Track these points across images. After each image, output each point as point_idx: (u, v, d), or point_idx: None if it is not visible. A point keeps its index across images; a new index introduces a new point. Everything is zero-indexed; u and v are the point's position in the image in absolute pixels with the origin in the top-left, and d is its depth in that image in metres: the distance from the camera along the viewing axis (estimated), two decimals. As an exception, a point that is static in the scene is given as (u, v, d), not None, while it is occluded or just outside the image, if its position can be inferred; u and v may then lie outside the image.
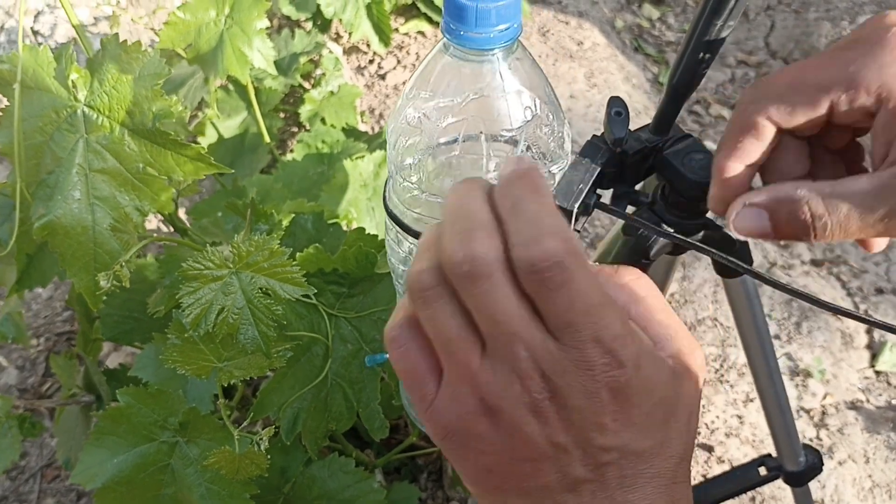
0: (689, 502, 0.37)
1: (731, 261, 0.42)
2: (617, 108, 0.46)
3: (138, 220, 0.73)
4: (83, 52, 0.81)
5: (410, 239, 0.49)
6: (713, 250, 0.43)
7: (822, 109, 0.40)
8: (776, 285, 0.41)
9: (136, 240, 0.69)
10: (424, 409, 0.38)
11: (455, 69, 0.42)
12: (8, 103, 0.72)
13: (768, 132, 0.42)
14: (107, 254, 0.72)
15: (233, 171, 0.73)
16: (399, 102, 0.46)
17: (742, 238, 0.42)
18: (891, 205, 0.38)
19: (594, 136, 0.46)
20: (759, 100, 0.41)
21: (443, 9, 0.40)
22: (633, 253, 0.54)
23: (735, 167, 0.43)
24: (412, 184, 0.46)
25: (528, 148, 0.44)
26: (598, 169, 0.44)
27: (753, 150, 0.42)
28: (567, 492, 0.37)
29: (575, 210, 0.42)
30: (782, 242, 1.41)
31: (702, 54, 0.42)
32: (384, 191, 0.51)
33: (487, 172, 0.44)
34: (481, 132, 0.43)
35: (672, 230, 0.52)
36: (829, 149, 0.44)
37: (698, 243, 0.45)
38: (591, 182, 0.43)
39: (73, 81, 0.71)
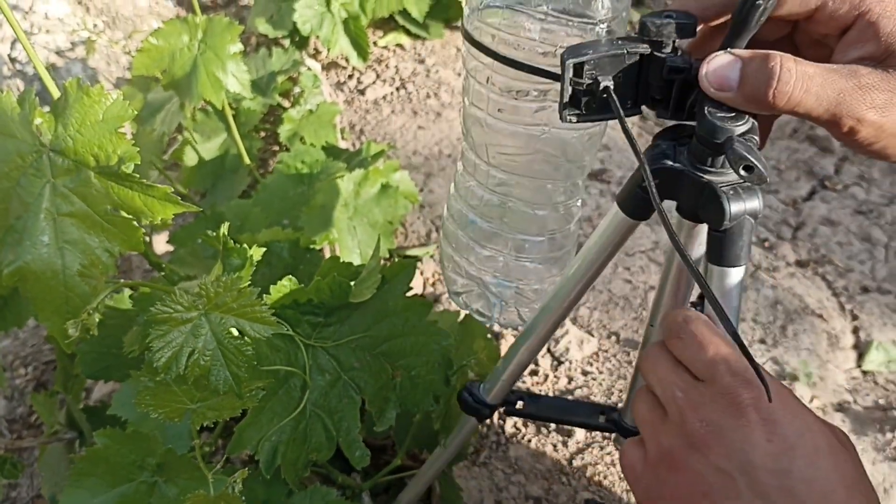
0: None
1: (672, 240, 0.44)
2: (668, 13, 0.46)
3: (108, 262, 0.73)
4: (49, 89, 0.81)
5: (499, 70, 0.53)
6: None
7: (813, 2, 0.44)
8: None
9: (104, 284, 0.69)
10: (632, 484, 0.48)
11: None
12: (-27, 150, 0.72)
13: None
14: (78, 297, 0.72)
15: (201, 209, 0.73)
16: None
17: (711, 91, 0.44)
18: (850, 84, 0.41)
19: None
20: None
21: None
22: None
23: None
24: None
25: None
26: (622, 53, 0.45)
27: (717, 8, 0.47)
28: None
29: (567, 63, 0.45)
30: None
31: (758, 1, 0.42)
32: (464, 21, 0.57)
33: None
34: None
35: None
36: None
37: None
38: (605, 55, 0.45)
39: (37, 126, 0.71)
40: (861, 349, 1.42)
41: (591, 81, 0.46)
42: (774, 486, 0.39)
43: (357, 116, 1.84)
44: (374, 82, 1.92)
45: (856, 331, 1.45)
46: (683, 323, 0.47)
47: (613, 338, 1.40)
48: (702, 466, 0.42)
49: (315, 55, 1.96)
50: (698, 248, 0.56)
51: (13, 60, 1.75)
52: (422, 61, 1.97)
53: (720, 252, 0.51)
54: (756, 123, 0.45)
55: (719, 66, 0.44)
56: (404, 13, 1.89)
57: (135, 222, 0.72)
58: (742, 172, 0.43)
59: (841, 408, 1.32)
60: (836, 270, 1.56)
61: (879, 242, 1.61)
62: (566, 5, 0.50)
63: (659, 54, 0.46)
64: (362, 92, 1.90)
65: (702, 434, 0.42)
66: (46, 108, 0.73)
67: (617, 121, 0.47)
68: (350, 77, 1.95)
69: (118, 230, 0.72)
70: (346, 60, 1.93)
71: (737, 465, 0.40)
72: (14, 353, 1.51)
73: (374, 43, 1.98)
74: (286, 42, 1.84)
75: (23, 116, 0.72)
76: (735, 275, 0.53)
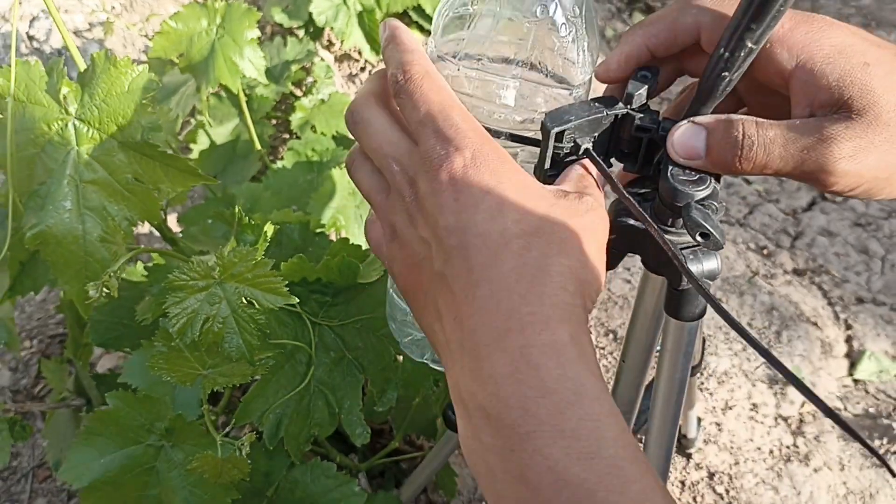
0: (561, 323, 0.36)
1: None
2: (644, 72, 0.46)
3: (127, 230, 0.75)
4: (76, 61, 0.83)
5: None
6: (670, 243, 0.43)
7: None
8: (725, 316, 0.40)
9: (125, 250, 0.71)
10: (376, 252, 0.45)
11: None
12: (0, 116, 0.74)
13: (687, 36, 0.47)
14: (97, 262, 0.74)
15: (219, 181, 0.75)
16: None
17: (680, 160, 0.45)
18: (812, 139, 0.41)
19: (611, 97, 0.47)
20: (692, 12, 0.46)
21: None
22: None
23: (638, 42, 0.47)
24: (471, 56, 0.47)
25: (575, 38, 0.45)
26: (601, 115, 0.45)
27: (664, 37, 0.47)
28: (437, 293, 0.39)
29: (552, 132, 0.44)
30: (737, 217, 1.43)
31: (724, 73, 0.42)
32: None
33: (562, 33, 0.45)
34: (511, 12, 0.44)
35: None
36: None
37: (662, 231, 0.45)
38: (585, 119, 0.45)
39: (64, 95, 0.73)
40: (853, 358, 1.44)
41: (571, 144, 0.46)
42: (454, 245, 0.38)
43: (367, 109, 1.86)
44: (385, 76, 1.94)
45: (849, 340, 1.48)
46: (405, 79, 0.41)
47: (611, 335, 1.43)
48: (412, 238, 0.41)
49: (328, 46, 1.98)
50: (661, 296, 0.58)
51: (31, 38, 1.77)
52: (433, 58, 1.99)
53: (677, 307, 0.53)
54: (717, 188, 0.46)
55: (685, 136, 0.45)
56: (418, 9, 1.91)
57: (154, 192, 0.75)
58: (699, 238, 0.44)
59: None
60: (833, 280, 1.58)
61: (876, 255, 1.63)
62: (544, 71, 0.48)
63: (630, 112, 0.47)
64: (373, 85, 1.92)
65: (413, 207, 0.40)
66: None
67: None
68: (362, 69, 1.97)
69: (138, 199, 0.74)
70: (359, 53, 1.96)
71: (431, 231, 0.39)
72: (20, 326, 1.53)
73: (387, 37, 2.00)
74: (301, 32, 1.87)
75: (50, 85, 0.74)
76: (690, 328, 0.56)
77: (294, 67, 1.67)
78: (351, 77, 1.96)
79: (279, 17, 1.79)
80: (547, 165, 0.47)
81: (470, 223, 0.37)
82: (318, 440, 1.06)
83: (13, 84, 0.73)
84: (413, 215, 0.40)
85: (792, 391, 1.36)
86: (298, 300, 0.85)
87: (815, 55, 0.42)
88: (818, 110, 0.43)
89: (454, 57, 0.47)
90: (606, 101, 0.47)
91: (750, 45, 0.40)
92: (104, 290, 0.64)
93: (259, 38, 1.29)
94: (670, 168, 0.45)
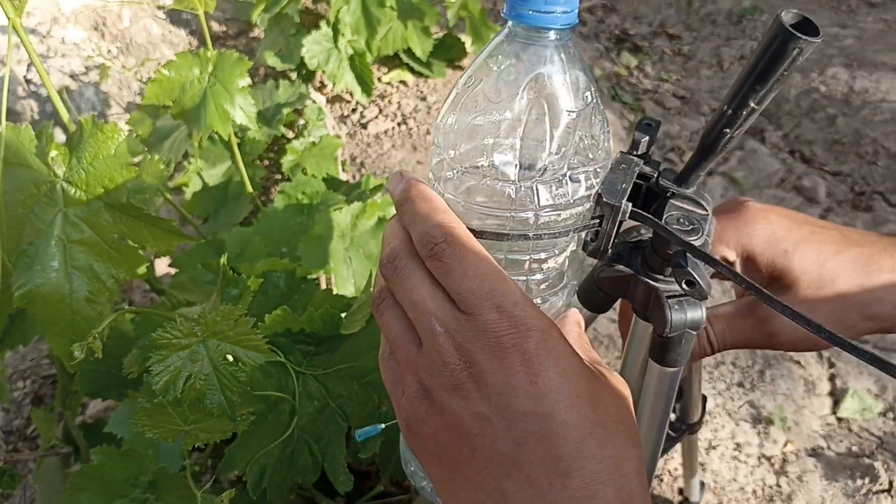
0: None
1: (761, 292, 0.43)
2: (647, 121, 0.50)
3: (113, 288, 0.77)
4: (58, 111, 0.86)
5: None
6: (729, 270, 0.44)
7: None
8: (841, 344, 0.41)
9: (110, 310, 0.74)
10: (395, 408, 0.43)
11: (515, 55, 0.42)
12: (-8, 177, 0.77)
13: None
14: (83, 320, 0.76)
15: (203, 239, 0.77)
16: (455, 97, 0.45)
17: None
18: (755, 317, 0.54)
19: (621, 151, 0.49)
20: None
21: None
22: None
23: None
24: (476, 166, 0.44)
25: (581, 139, 0.43)
26: (636, 173, 0.47)
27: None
28: (503, 475, 0.38)
29: (623, 205, 0.45)
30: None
31: (726, 129, 0.45)
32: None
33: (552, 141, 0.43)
34: (545, 113, 0.42)
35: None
36: None
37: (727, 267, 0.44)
38: (631, 183, 0.46)
39: (52, 158, 0.76)
40: (836, 396, 1.46)
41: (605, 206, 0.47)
42: (532, 431, 0.37)
43: (358, 149, 1.89)
44: (376, 117, 1.97)
45: (832, 378, 1.49)
46: (447, 244, 0.40)
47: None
48: (461, 410, 0.38)
49: (320, 88, 2.02)
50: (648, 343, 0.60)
51: (28, 82, 1.80)
52: (423, 98, 2.03)
53: (660, 353, 0.55)
54: (709, 241, 0.48)
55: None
56: (408, 52, 1.94)
57: (140, 251, 0.77)
58: (685, 286, 0.46)
59: (814, 453, 1.36)
60: (817, 318, 1.60)
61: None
62: (590, 158, 0.45)
63: (632, 157, 0.50)
64: (364, 126, 1.96)
65: (462, 376, 0.38)
66: (57, 127, 0.78)
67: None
68: (353, 111, 2.01)
69: (124, 258, 0.77)
70: (351, 95, 1.99)
71: (496, 409, 0.37)
72: (13, 366, 1.55)
73: (378, 79, 2.04)
74: (293, 75, 1.90)
75: (39, 149, 0.77)
76: (672, 374, 0.58)
77: (286, 110, 1.70)
78: (342, 118, 1.99)
79: (272, 60, 1.83)
80: (611, 240, 0.47)
81: (552, 411, 0.37)
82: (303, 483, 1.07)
83: (3, 148, 0.76)
84: (462, 386, 0.39)
85: (775, 431, 1.38)
86: (283, 351, 0.87)
87: (748, 248, 0.55)
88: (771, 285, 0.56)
89: (473, 168, 0.44)
90: (620, 157, 0.49)
91: (752, 105, 0.43)
92: (88, 352, 0.66)
93: (251, 84, 1.32)
94: (665, 216, 0.48)
